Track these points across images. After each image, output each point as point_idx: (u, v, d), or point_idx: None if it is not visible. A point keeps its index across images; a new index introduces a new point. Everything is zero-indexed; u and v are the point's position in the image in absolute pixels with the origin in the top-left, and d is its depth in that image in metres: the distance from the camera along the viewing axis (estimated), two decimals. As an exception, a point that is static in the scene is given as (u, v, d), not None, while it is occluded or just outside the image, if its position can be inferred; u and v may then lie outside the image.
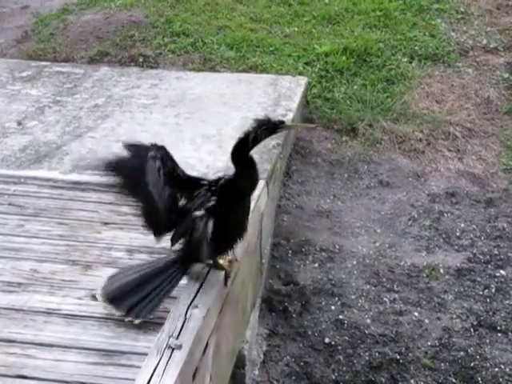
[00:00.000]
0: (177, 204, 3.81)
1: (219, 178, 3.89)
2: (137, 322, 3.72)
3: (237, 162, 3.82)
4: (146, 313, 3.73)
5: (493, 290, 5.57)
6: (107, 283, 3.87)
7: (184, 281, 3.86)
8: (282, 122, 3.90)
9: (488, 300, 5.53)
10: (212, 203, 3.80)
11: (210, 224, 3.78)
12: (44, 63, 7.41)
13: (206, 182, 3.87)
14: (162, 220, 3.82)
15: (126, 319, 3.73)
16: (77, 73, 7.20)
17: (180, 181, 3.84)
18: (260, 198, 4.84)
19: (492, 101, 7.15)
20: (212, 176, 4.09)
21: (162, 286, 3.76)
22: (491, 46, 7.84)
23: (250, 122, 3.83)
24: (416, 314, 5.45)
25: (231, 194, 3.83)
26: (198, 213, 3.79)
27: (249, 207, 3.96)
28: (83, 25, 8.10)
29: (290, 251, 5.77)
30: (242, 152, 3.81)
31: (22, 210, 4.78)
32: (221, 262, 3.94)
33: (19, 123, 6.15)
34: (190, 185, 3.85)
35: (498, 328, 5.39)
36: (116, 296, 3.79)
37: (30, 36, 7.99)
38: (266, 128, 3.81)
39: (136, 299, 3.73)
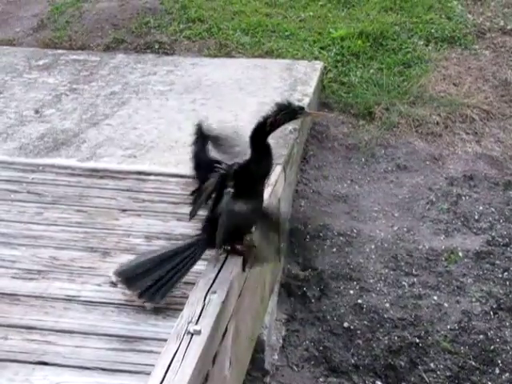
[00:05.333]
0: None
1: (233, 164, 3.89)
2: (149, 307, 3.73)
3: (253, 147, 3.81)
4: (159, 297, 3.71)
5: (512, 273, 5.56)
6: (122, 264, 3.89)
7: (202, 266, 3.86)
8: (302, 109, 3.87)
9: (507, 283, 5.51)
10: (229, 190, 3.80)
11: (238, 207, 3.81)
12: (60, 51, 7.43)
13: (221, 166, 3.88)
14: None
15: (138, 301, 3.74)
16: (93, 60, 7.22)
17: (200, 162, 3.97)
18: (277, 184, 4.83)
19: (510, 83, 7.09)
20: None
21: (175, 270, 3.74)
22: (508, 27, 7.77)
23: (271, 106, 3.79)
24: (435, 297, 5.44)
25: (246, 180, 3.82)
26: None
27: (263, 192, 3.96)
28: (98, 12, 8.11)
29: (308, 236, 5.77)
30: (259, 137, 3.80)
31: (40, 197, 4.80)
32: (238, 247, 3.94)
33: (37, 111, 6.18)
34: (207, 167, 3.88)
35: (518, 311, 5.38)
36: (129, 276, 3.78)
37: (46, 24, 8.01)
38: (285, 113, 3.77)
39: (149, 281, 3.71)
